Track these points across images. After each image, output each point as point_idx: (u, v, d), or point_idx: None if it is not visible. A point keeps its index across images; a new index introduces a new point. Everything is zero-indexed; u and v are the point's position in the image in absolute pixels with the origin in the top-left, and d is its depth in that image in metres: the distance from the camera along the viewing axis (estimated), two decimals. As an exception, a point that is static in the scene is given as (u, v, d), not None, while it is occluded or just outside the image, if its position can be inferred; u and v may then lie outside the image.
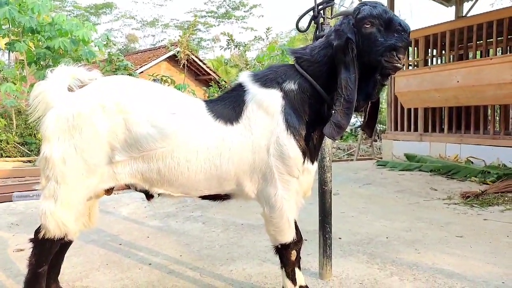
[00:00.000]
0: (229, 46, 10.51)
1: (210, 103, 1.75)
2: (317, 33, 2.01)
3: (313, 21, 2.03)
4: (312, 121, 1.68)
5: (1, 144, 8.75)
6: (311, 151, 1.70)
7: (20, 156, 8.80)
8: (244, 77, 1.74)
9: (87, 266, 2.47)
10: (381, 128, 11.46)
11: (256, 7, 29.58)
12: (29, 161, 8.45)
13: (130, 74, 9.06)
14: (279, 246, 1.73)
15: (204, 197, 1.79)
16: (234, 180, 1.69)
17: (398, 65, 1.56)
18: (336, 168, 6.89)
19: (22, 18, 8.66)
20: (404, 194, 4.52)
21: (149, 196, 1.80)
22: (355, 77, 1.58)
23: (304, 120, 1.67)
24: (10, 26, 9.28)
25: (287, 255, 1.73)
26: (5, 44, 9.45)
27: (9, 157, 8.66)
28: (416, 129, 6.83)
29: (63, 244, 1.85)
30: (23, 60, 9.53)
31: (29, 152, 8.96)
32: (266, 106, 1.64)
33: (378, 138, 10.44)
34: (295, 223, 1.84)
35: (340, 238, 2.95)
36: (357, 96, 1.60)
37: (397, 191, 4.65)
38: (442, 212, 3.71)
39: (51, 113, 1.68)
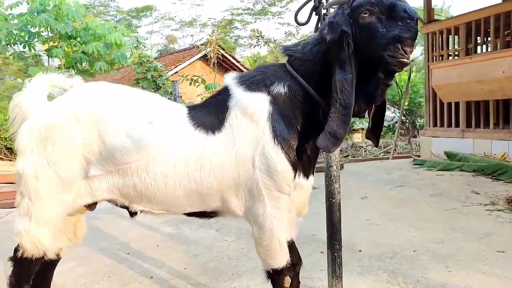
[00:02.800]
0: (259, 43, 10.29)
1: (193, 110, 1.57)
2: (319, 26, 1.77)
3: (314, 13, 1.79)
4: (305, 129, 1.45)
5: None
6: (304, 163, 1.47)
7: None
8: (229, 80, 1.54)
9: (89, 278, 2.40)
10: (420, 123, 10.77)
11: (293, 1, 29.17)
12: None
13: (160, 76, 9.13)
14: (271, 271, 1.52)
15: (188, 214, 1.62)
16: (217, 196, 1.50)
17: (404, 60, 1.30)
18: (369, 168, 6.50)
19: (58, 24, 8.96)
20: (440, 198, 4.11)
21: (131, 213, 1.65)
22: (352, 78, 1.34)
23: (295, 128, 1.44)
24: (49, 32, 9.66)
25: (279, 282, 1.51)
26: (45, 50, 9.86)
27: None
28: (457, 125, 6.28)
29: (48, 263, 1.75)
30: (61, 65, 9.89)
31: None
32: (251, 113, 1.44)
33: (417, 134, 9.83)
34: (293, 243, 1.62)
35: (360, 251, 2.68)
36: (356, 99, 1.37)
37: (432, 195, 4.24)
38: (482, 221, 3.30)
39: (25, 125, 1.58)
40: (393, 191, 4.52)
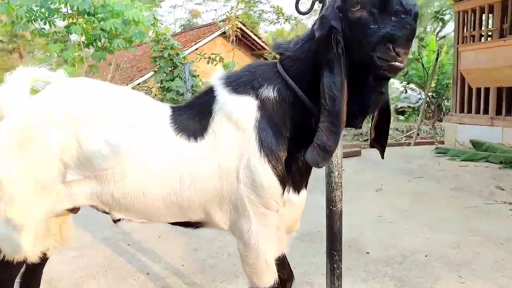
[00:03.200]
0: (279, 21, 9.90)
1: (177, 111, 1.43)
2: (323, 15, 1.56)
3: (317, 0, 1.58)
4: (296, 139, 1.28)
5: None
6: (294, 177, 1.31)
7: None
8: (215, 80, 1.38)
9: (87, 271, 2.37)
10: (447, 106, 10.25)
11: (318, -26, 27.99)
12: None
13: (177, 54, 8.96)
14: (258, 290, 1.40)
15: (172, 223, 1.51)
16: (199, 210, 1.38)
17: (396, 63, 1.08)
18: (388, 155, 6.23)
19: (76, 1, 8.88)
20: (461, 193, 3.87)
21: (114, 220, 1.56)
22: (342, 81, 1.15)
23: (284, 138, 1.27)
24: (68, 9, 9.61)
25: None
26: (64, 27, 9.85)
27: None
28: (486, 111, 5.89)
29: (34, 264, 1.69)
30: (82, 42, 9.88)
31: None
32: (236, 119, 1.28)
33: (443, 117, 9.38)
34: (284, 258, 1.50)
35: (368, 253, 2.53)
36: (349, 107, 1.18)
37: (453, 189, 4.00)
38: (505, 222, 3.07)
39: (1, 124, 1.49)
40: (410, 184, 4.30)
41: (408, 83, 10.79)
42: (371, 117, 1.37)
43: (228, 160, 1.28)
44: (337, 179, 1.70)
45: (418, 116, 10.97)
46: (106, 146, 1.37)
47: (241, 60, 11.83)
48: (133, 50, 10.73)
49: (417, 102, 11.75)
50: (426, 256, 2.47)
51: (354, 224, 3.04)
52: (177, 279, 2.24)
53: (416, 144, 7.51)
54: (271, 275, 1.36)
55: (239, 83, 1.32)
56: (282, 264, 1.48)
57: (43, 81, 1.67)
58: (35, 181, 1.44)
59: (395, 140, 8.63)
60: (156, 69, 9.52)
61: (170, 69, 9.05)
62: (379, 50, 1.08)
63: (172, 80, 8.80)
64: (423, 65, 9.35)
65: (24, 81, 1.61)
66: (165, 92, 9.39)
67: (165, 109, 1.44)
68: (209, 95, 1.37)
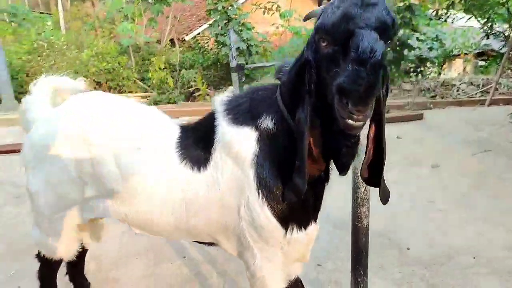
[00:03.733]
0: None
1: (185, 133, 1.37)
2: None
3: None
4: None
5: (122, 81, 9.72)
6: (297, 215, 1.21)
7: (139, 92, 9.70)
8: (217, 105, 1.27)
9: (124, 253, 2.52)
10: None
11: None
12: (147, 97, 9.27)
13: (231, 5, 8.65)
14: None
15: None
16: (208, 236, 1.36)
17: (349, 121, 0.88)
18: (454, 119, 5.64)
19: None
20: (534, 175, 3.43)
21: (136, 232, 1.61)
22: (306, 119, 1.03)
23: (285, 173, 1.16)
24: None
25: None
26: (122, -19, 9.94)
27: (131, 92, 9.63)
28: None
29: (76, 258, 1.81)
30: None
31: (147, 88, 9.78)
32: (235, 154, 1.19)
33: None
34: (297, 280, 1.45)
35: (408, 249, 2.39)
36: (322, 152, 1.11)
37: (525, 169, 3.56)
38: None
39: (26, 138, 1.55)
40: (474, 159, 3.89)
41: (490, 28, 9.43)
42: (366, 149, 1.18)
43: (229, 196, 1.22)
44: (363, 195, 1.56)
45: (498, 65, 9.68)
46: (115, 170, 1.37)
47: (300, 7, 11.05)
48: (188, 2, 10.64)
49: (501, 49, 10.31)
50: (474, 258, 2.27)
51: (399, 212, 2.87)
52: (210, 267, 2.32)
53: (492, 103, 6.71)
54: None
55: (239, 112, 1.21)
56: (295, 285, 1.44)
57: (65, 89, 1.70)
58: (58, 196, 1.51)
59: (468, 97, 7.78)
60: (211, 23, 9.37)
61: (225, 22, 8.84)
62: (336, 101, 0.90)
63: (226, 34, 8.64)
64: (508, 9, 8.03)
65: (46, 91, 1.65)
66: (220, 46, 9.30)
67: (174, 131, 1.39)
68: (211, 121, 1.28)
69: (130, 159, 1.36)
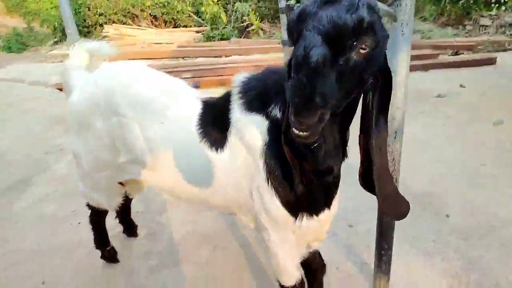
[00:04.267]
0: None
1: (205, 109, 1.37)
2: None
3: None
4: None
5: (177, 15, 9.64)
6: (307, 205, 1.20)
7: (194, 26, 9.60)
8: (233, 85, 1.24)
9: (169, 201, 2.71)
10: None
11: None
12: (201, 31, 9.18)
13: None
14: (279, 283, 1.45)
15: None
16: (227, 209, 1.42)
17: (294, 130, 0.81)
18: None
19: None
20: None
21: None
22: (282, 117, 1.06)
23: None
24: None
25: (286, 297, 1.46)
26: None
27: (185, 26, 9.58)
28: None
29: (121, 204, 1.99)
30: None
31: (201, 22, 9.64)
32: (247, 142, 1.18)
33: None
34: (315, 253, 1.49)
35: (447, 216, 2.31)
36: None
37: None
38: None
39: (68, 102, 1.65)
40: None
41: None
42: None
43: (242, 179, 1.24)
44: (392, 174, 1.49)
45: None
46: (142, 141, 1.43)
47: None
48: None
49: None
50: (519, 231, 2.14)
51: (445, 174, 2.73)
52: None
53: None
54: (289, 278, 1.39)
55: (251, 96, 1.18)
56: (312, 257, 1.49)
57: (99, 55, 1.74)
58: (96, 158, 1.63)
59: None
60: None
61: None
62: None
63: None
64: None
65: (82, 56, 1.70)
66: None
67: (196, 106, 1.39)
68: (227, 102, 1.26)
69: (154, 133, 1.41)
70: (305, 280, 1.47)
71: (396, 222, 2.22)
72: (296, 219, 1.21)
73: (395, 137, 1.42)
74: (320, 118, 0.78)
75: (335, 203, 1.26)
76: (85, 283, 2.00)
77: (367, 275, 1.91)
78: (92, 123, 1.55)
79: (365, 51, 0.78)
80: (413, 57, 5.21)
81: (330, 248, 2.12)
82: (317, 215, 1.24)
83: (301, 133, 0.80)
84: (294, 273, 1.38)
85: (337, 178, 1.21)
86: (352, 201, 2.49)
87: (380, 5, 0.80)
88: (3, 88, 5.47)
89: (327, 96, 0.76)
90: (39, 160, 3.32)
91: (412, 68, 5.00)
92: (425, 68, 4.98)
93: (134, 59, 6.22)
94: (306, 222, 1.22)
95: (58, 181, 3.05)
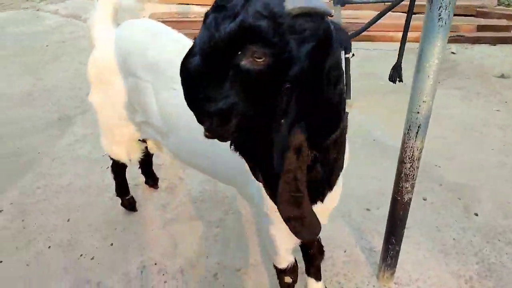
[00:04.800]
0: None
1: None
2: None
3: None
4: None
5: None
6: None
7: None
8: None
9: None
10: None
11: None
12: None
13: None
14: (274, 264, 1.45)
15: None
16: (232, 185, 1.41)
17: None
18: None
19: None
20: None
21: None
22: None
23: None
24: None
25: (279, 277, 1.46)
26: None
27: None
28: None
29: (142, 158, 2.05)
30: None
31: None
32: None
33: None
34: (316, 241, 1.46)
35: (476, 215, 2.15)
36: None
37: None
38: None
39: (91, 56, 1.66)
40: None
41: None
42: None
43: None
44: (408, 171, 1.38)
45: None
46: (155, 105, 1.43)
47: None
48: None
49: None
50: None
51: (484, 167, 2.50)
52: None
53: None
54: (282, 261, 1.38)
55: None
56: (311, 244, 1.46)
57: (126, 9, 1.70)
58: (115, 114, 1.66)
59: None
60: None
61: None
62: None
63: None
64: None
65: (108, 9, 1.67)
66: None
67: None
68: None
69: (166, 98, 1.39)
70: (298, 264, 1.46)
71: (417, 210, 2.13)
72: None
73: (416, 133, 1.29)
74: (219, 123, 0.76)
75: (332, 197, 1.19)
76: (105, 226, 2.14)
77: (373, 264, 1.86)
78: (111, 80, 1.56)
79: (261, 59, 0.69)
80: (480, 28, 4.64)
81: (341, 229, 2.07)
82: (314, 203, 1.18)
83: (206, 133, 0.81)
84: (286, 257, 1.37)
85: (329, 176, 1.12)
86: (374, 182, 2.39)
87: (291, 3, 0.68)
88: (60, 23, 5.67)
89: (213, 105, 0.74)
90: (83, 101, 3.47)
91: (477, 40, 4.47)
92: (494, 41, 4.43)
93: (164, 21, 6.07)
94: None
95: (95, 124, 3.20)
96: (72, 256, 1.97)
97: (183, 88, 0.78)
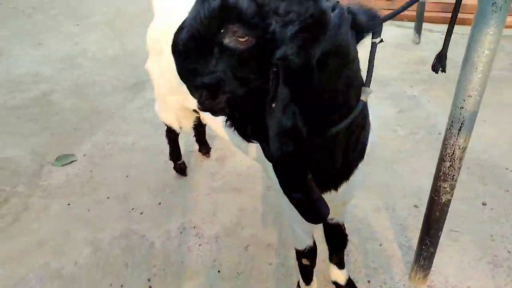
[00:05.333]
0: None
1: None
2: None
3: None
4: None
5: None
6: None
7: None
8: None
9: None
10: None
11: None
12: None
13: None
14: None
15: None
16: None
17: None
18: None
19: None
20: None
21: None
22: None
23: None
24: None
25: (298, 258, 1.46)
26: None
27: None
28: None
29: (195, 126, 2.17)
30: None
31: None
32: None
33: None
34: (339, 227, 1.43)
35: (543, 230, 1.90)
36: None
37: None
38: None
39: (150, 26, 1.77)
40: None
41: None
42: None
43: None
44: (447, 170, 1.27)
45: None
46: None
47: None
48: None
49: None
50: None
51: None
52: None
53: None
54: (299, 243, 1.38)
55: None
56: (334, 229, 1.44)
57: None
58: (166, 81, 1.77)
59: None
60: None
61: None
62: None
63: None
64: None
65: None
66: None
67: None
68: None
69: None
70: (316, 248, 1.45)
71: (472, 214, 1.94)
72: None
73: (459, 130, 1.17)
74: (208, 96, 0.79)
75: (350, 188, 1.14)
76: (157, 186, 2.33)
77: (407, 262, 1.77)
78: (163, 50, 1.64)
79: (244, 39, 0.69)
80: None
81: (382, 222, 1.99)
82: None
83: (198, 106, 0.83)
84: (303, 239, 1.37)
85: (343, 164, 1.07)
86: (430, 179, 2.21)
87: None
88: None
89: (200, 78, 0.78)
90: (157, 67, 3.72)
91: None
92: None
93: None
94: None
95: (165, 90, 3.43)
96: (125, 209, 2.19)
97: (174, 60, 0.82)
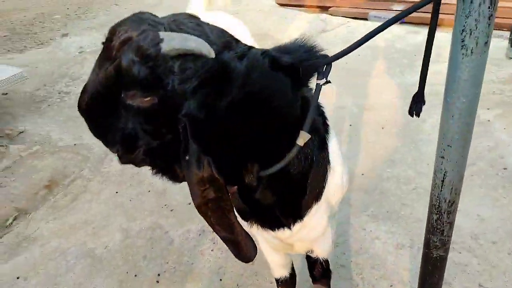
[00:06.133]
0: None
1: None
2: None
3: None
4: None
5: None
6: (254, 214, 1.07)
7: None
8: None
9: None
10: None
11: None
12: None
13: None
14: (273, 273, 1.43)
15: None
16: None
17: None
18: None
19: None
20: None
21: None
22: None
23: None
24: None
25: (276, 285, 1.42)
26: None
27: None
28: None
29: None
30: None
31: None
32: None
33: None
34: (316, 261, 1.37)
35: None
36: None
37: None
38: None
39: None
40: None
41: None
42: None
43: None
44: (435, 224, 1.11)
45: None
46: None
47: None
48: None
49: None
50: None
51: None
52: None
53: None
54: (274, 272, 1.35)
55: None
56: (314, 263, 1.38)
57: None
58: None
59: None
60: None
61: None
62: None
63: None
64: None
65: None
66: None
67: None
68: None
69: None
70: (294, 279, 1.40)
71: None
72: (247, 223, 1.13)
73: (442, 181, 1.02)
74: (124, 151, 0.80)
75: (311, 226, 1.08)
76: (191, 186, 2.48)
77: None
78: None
79: (147, 98, 0.70)
80: None
81: (400, 259, 1.82)
82: (271, 229, 1.10)
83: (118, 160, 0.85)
84: (277, 269, 1.34)
85: (290, 205, 1.02)
86: (475, 223, 1.93)
87: (167, 45, 0.65)
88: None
89: (111, 135, 0.79)
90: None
91: None
92: None
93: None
94: (260, 231, 1.12)
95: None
96: (159, 203, 2.39)
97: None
